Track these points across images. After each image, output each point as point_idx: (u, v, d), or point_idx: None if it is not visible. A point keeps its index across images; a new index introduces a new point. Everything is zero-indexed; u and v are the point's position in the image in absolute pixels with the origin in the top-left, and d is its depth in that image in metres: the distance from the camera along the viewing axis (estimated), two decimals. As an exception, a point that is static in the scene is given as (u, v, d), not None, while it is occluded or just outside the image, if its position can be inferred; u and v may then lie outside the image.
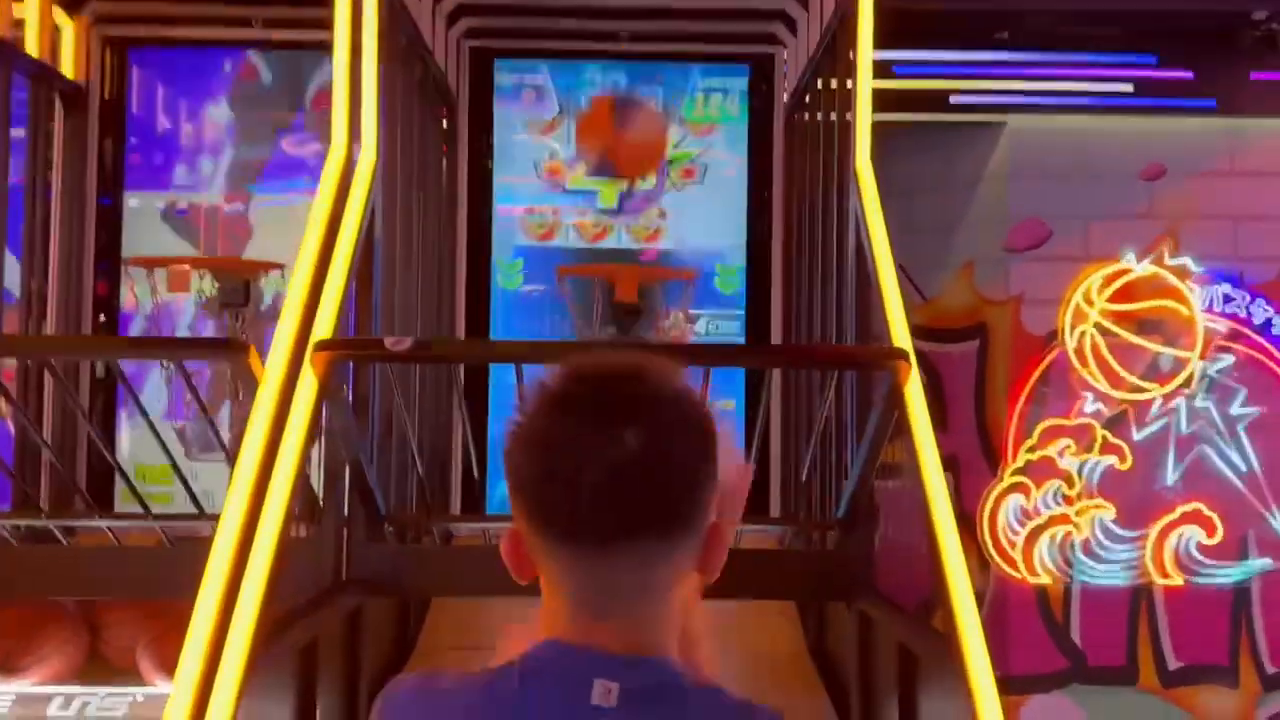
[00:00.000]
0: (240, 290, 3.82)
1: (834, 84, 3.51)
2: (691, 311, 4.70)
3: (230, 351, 2.32)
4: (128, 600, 3.24)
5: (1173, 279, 5.00)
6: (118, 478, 4.36)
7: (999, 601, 4.89)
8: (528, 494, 0.95)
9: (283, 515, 2.23)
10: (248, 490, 2.23)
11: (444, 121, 4.41)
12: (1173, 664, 4.98)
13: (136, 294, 4.16)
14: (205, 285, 3.85)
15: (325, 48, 4.35)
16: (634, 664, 0.95)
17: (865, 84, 3.10)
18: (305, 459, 2.37)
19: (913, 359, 2.51)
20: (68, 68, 4.33)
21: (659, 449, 0.93)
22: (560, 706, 0.94)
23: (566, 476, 0.93)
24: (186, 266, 3.62)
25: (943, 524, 2.34)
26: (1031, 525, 4.93)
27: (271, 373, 2.37)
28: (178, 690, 1.99)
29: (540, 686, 0.95)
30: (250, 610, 2.10)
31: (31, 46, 4.04)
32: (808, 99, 4.10)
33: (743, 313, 4.77)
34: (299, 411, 2.37)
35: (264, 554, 2.17)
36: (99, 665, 3.24)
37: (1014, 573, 4.94)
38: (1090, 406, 4.98)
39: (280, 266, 3.87)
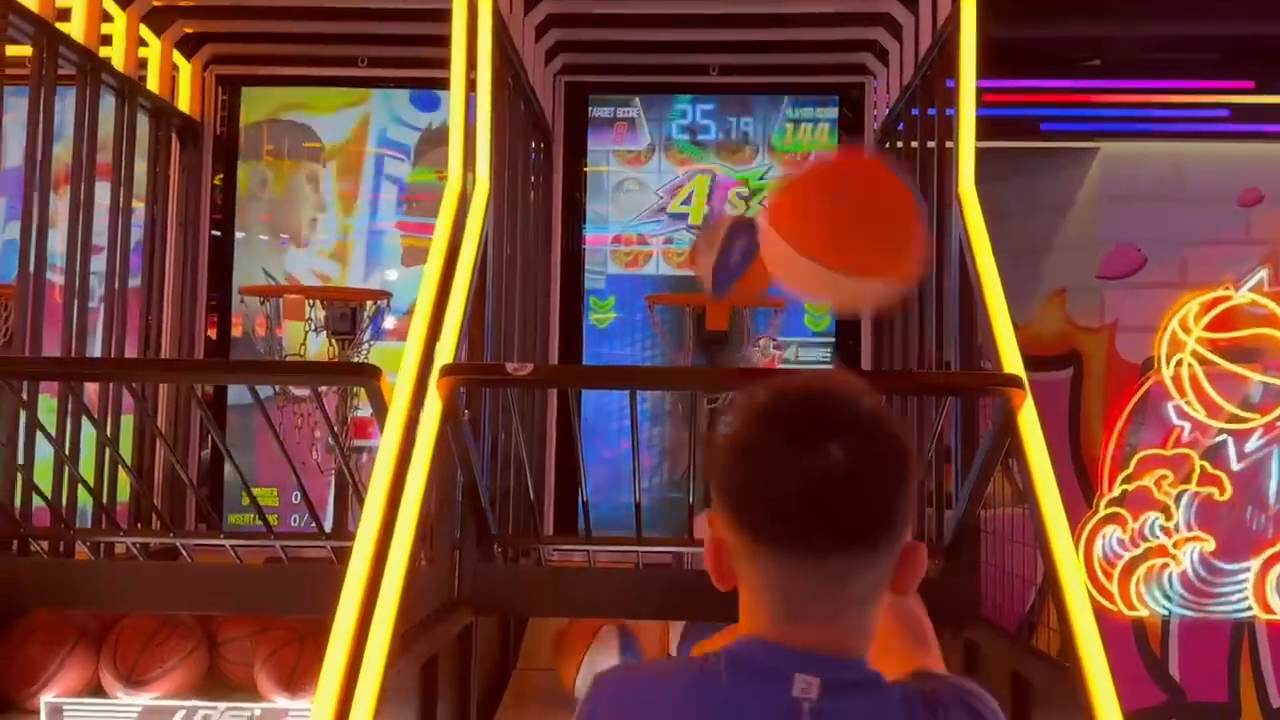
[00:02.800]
0: (348, 318, 3.94)
1: (931, 111, 3.54)
2: (783, 339, 4.73)
3: (365, 377, 2.41)
4: (243, 617, 3.34)
5: (1272, 306, 4.91)
6: (224, 498, 4.52)
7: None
8: (735, 502, 1.01)
9: (413, 534, 2.31)
10: (380, 509, 2.31)
11: (541, 154, 4.52)
12: (1276, 700, 4.84)
13: (248, 323, 4.30)
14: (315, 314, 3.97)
15: (429, 85, 4.56)
16: (833, 661, 1.00)
17: (968, 108, 3.13)
18: (431, 478, 2.44)
19: (1027, 385, 2.51)
20: (184, 105, 4.54)
21: (860, 463, 0.98)
22: (763, 697, 0.99)
23: (772, 486, 0.98)
24: (299, 296, 3.74)
25: (1063, 552, 2.33)
26: (1128, 557, 4.85)
27: (399, 396, 2.46)
28: (320, 702, 2.06)
29: (745, 676, 1.00)
30: (385, 626, 2.18)
31: (152, 84, 4.26)
32: (900, 126, 4.13)
33: (833, 340, 4.79)
34: (426, 434, 2.45)
35: (396, 572, 2.25)
36: (216, 680, 3.34)
37: (1110, 605, 4.85)
38: (1188, 436, 4.89)
39: (388, 296, 3.99)
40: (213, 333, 4.70)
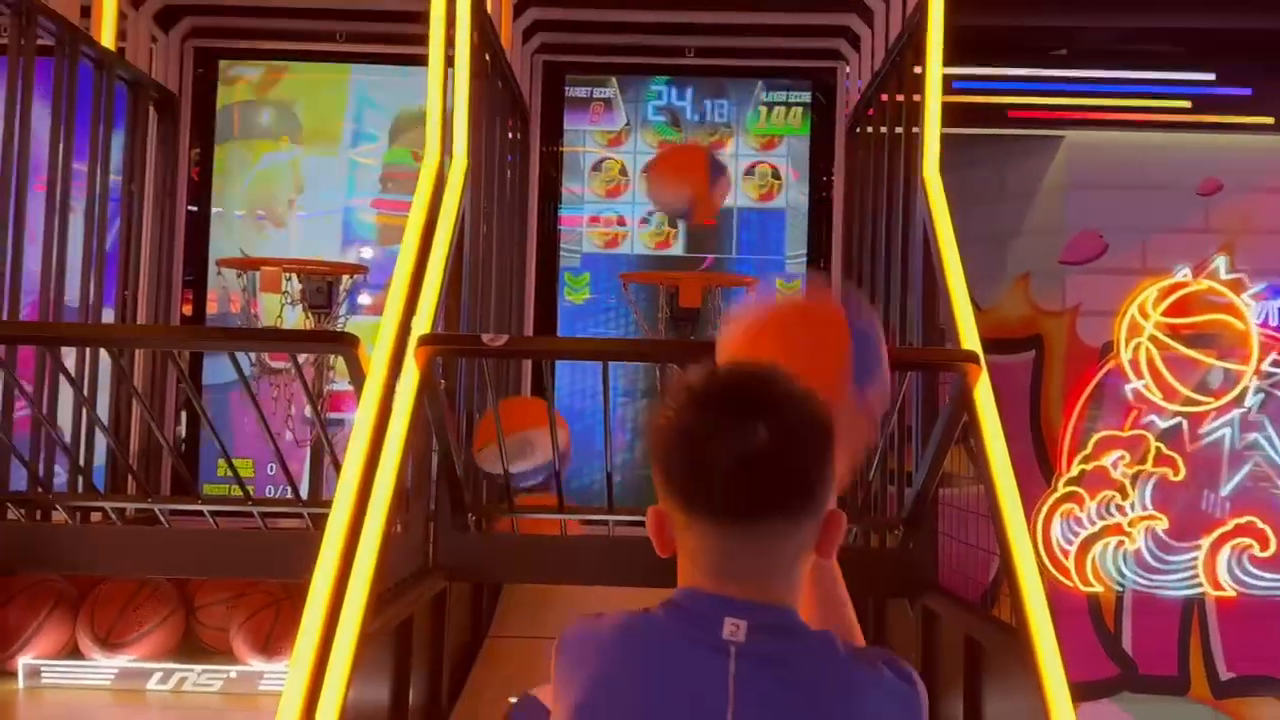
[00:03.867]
0: (324, 292, 3.98)
1: (900, 97, 3.63)
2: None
3: (343, 345, 2.47)
4: (220, 582, 3.40)
5: (1228, 293, 5.05)
6: (199, 468, 4.56)
7: (1051, 609, 4.94)
8: (673, 476, 1.11)
9: (389, 501, 2.38)
10: (357, 476, 2.37)
11: (517, 133, 4.57)
12: (1224, 674, 5.01)
13: (228, 296, 4.34)
14: (291, 288, 4.01)
15: (409, 62, 4.59)
16: (760, 607, 1.10)
17: (935, 95, 3.22)
18: (408, 447, 2.51)
19: (983, 362, 2.61)
20: (161, 77, 4.55)
21: (785, 441, 1.08)
22: (694, 637, 1.09)
23: (706, 462, 1.08)
24: (276, 268, 3.79)
25: (1014, 523, 2.44)
26: (1085, 535, 4.99)
27: (377, 365, 2.52)
28: (297, 663, 2.13)
29: (677, 618, 1.11)
30: (361, 590, 2.24)
31: (130, 56, 4.27)
32: (871, 112, 4.21)
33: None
34: (402, 402, 2.52)
35: (372, 537, 2.32)
36: (192, 643, 3.40)
37: (1066, 581, 5.00)
38: (1144, 418, 5.04)
39: (365, 270, 4.04)
40: (188, 308, 4.73)
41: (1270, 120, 4.97)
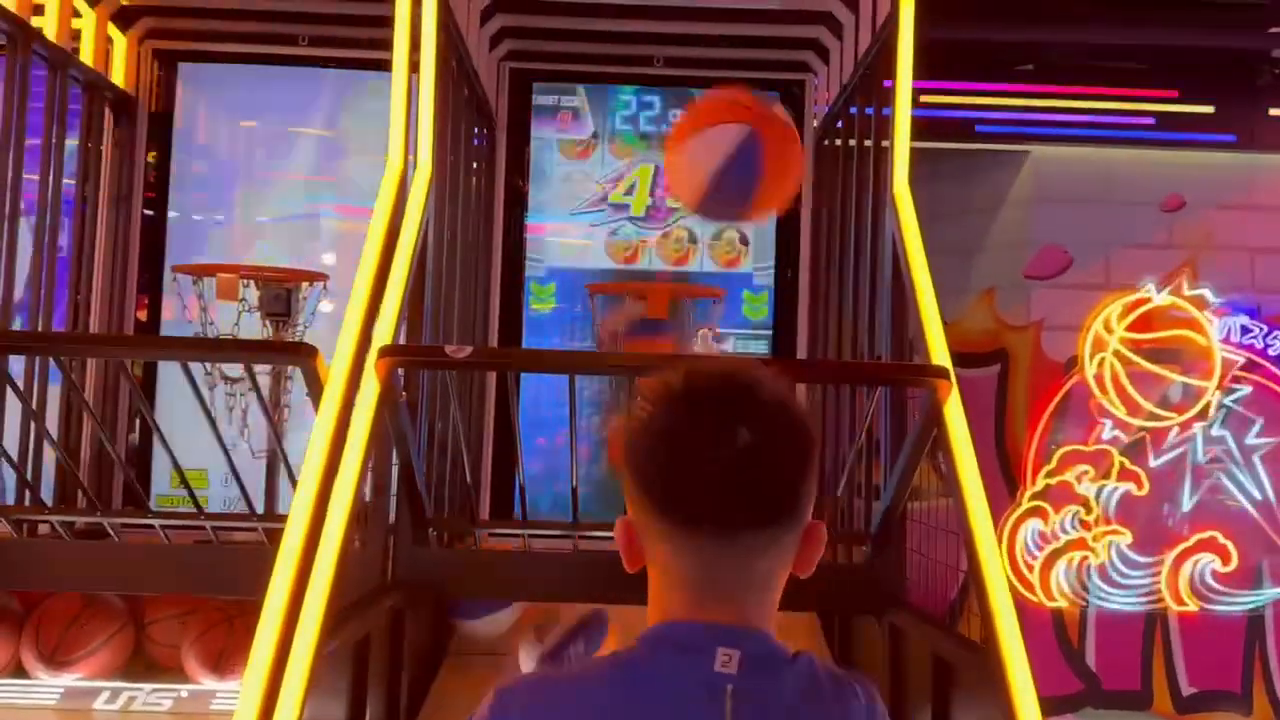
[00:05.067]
0: (282, 299, 3.90)
1: (869, 110, 3.61)
2: (719, 330, 4.79)
3: (301, 356, 2.40)
4: (171, 598, 3.31)
5: (1191, 309, 5.09)
6: (152, 479, 4.45)
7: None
8: (648, 483, 1.04)
9: (347, 515, 2.31)
10: (314, 490, 2.30)
11: (483, 141, 4.51)
12: (1186, 690, 5.04)
13: (185, 304, 4.24)
14: (249, 295, 3.92)
15: (371, 66, 4.53)
16: (748, 635, 1.04)
17: (904, 109, 3.20)
18: (367, 460, 2.44)
19: (953, 377, 2.59)
20: (118, 79, 4.45)
21: (768, 445, 1.02)
22: (686, 673, 1.01)
23: (685, 468, 1.01)
24: (233, 275, 3.70)
25: (984, 539, 2.41)
26: (1049, 549, 5.00)
27: (336, 377, 2.45)
28: (250, 682, 2.05)
29: (664, 653, 1.03)
30: (317, 606, 2.18)
31: (86, 56, 4.17)
32: (840, 125, 4.20)
33: (770, 333, 4.86)
34: (362, 415, 2.45)
35: (330, 553, 2.25)
36: (142, 662, 3.30)
37: (1030, 596, 5.00)
38: (1108, 433, 5.06)
39: (325, 278, 3.96)
40: (142, 314, 4.61)
41: (1232, 138, 5.03)
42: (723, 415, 1.02)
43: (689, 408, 1.03)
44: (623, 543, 1.07)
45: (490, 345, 4.62)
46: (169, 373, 4.42)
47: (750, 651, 1.02)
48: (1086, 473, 5.03)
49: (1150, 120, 5.03)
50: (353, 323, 2.59)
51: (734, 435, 1.01)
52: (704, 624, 1.03)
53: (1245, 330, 5.12)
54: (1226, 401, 5.09)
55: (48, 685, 3.12)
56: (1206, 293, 5.09)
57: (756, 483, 1.02)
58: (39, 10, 3.77)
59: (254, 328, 3.93)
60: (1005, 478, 5.06)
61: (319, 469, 2.34)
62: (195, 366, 2.76)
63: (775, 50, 4.71)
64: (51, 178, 3.72)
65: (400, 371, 2.75)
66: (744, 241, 4.91)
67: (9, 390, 3.01)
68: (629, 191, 4.91)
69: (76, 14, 4.08)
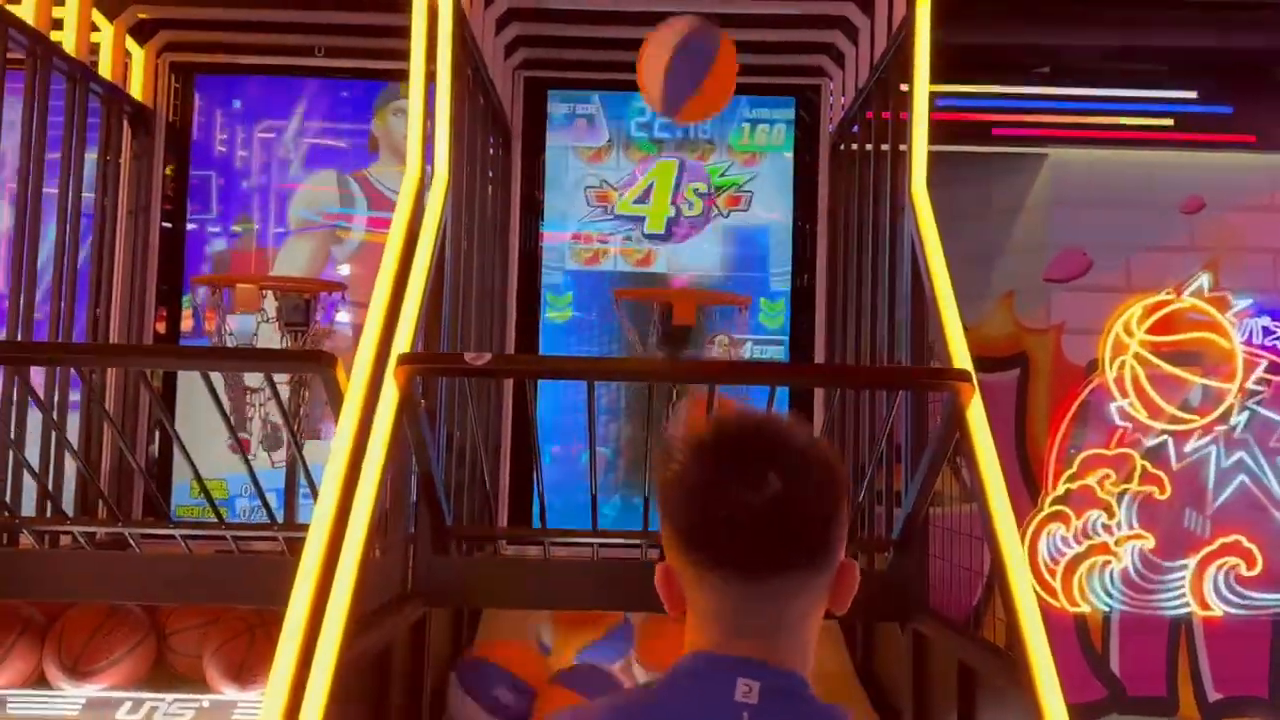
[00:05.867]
0: (301, 309, 3.91)
1: (886, 114, 3.60)
2: (737, 337, 4.77)
3: (320, 364, 2.40)
4: (192, 608, 3.31)
5: (1213, 311, 5.05)
6: (172, 489, 4.47)
7: (1039, 630, 4.91)
8: (682, 531, 1.07)
9: (367, 525, 2.31)
10: (334, 499, 2.30)
11: (499, 149, 4.52)
12: (1213, 696, 4.98)
13: (194, 311, 4.26)
14: (267, 305, 3.93)
15: (390, 77, 4.55)
16: (772, 669, 1.06)
17: (921, 111, 3.19)
18: (387, 469, 2.44)
19: (975, 380, 2.57)
20: (136, 91, 4.47)
21: (797, 491, 1.05)
22: (706, 702, 1.04)
23: (716, 516, 1.04)
24: (253, 286, 3.71)
25: (1009, 544, 2.39)
26: (1071, 554, 4.96)
27: (355, 384, 2.45)
28: (272, 692, 2.05)
29: (687, 685, 1.06)
30: (338, 617, 2.17)
31: (104, 70, 4.19)
32: (855, 129, 4.18)
33: (787, 339, 4.84)
34: (382, 423, 2.45)
35: (350, 562, 2.24)
36: (164, 672, 3.30)
37: (1053, 601, 4.96)
38: (1130, 437, 5.02)
39: (343, 287, 3.96)
40: (161, 326, 4.63)
41: (1251, 138, 4.99)
42: (752, 463, 1.05)
43: (719, 457, 1.06)
44: (663, 588, 1.10)
45: (508, 352, 4.62)
46: (189, 383, 4.44)
47: (771, 684, 1.04)
48: (1108, 477, 4.99)
49: (1169, 122, 4.99)
50: (372, 330, 2.59)
51: (764, 482, 1.03)
52: (730, 656, 1.06)
53: (1267, 332, 5.08)
54: (1249, 404, 5.04)
55: (70, 696, 3.12)
56: (1228, 294, 5.05)
57: (786, 529, 1.04)
58: (58, 24, 3.80)
59: (273, 339, 3.94)
60: (1026, 482, 5.02)
61: (339, 478, 2.34)
62: (215, 376, 2.77)
63: (790, 55, 4.70)
64: (71, 190, 3.74)
65: (419, 379, 2.75)
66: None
67: (30, 401, 3.03)
68: (644, 198, 4.91)
69: (95, 28, 4.11)
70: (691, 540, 1.06)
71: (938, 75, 3.37)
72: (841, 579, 1.09)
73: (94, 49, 4.12)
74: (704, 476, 1.05)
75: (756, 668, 1.04)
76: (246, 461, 2.68)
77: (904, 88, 3.38)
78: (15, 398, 3.24)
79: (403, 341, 2.63)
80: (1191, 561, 4.97)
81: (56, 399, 3.48)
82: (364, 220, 4.74)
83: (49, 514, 3.24)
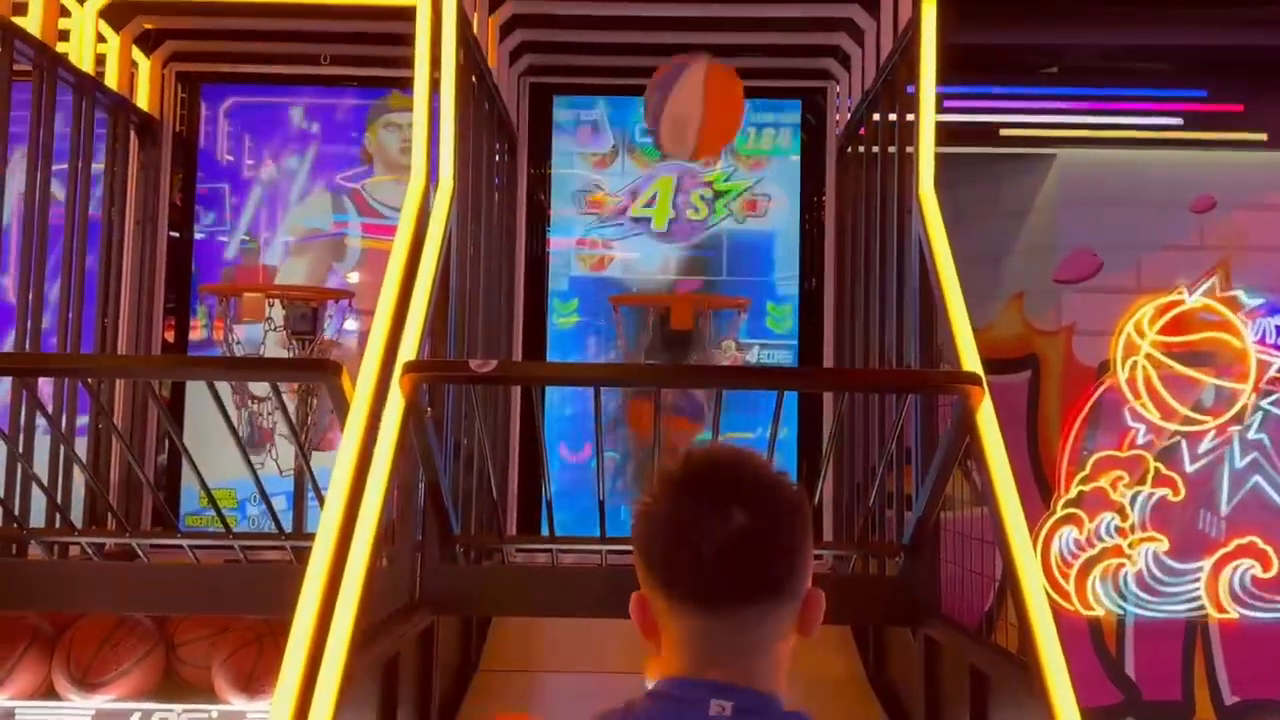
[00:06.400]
0: (308, 318, 3.91)
1: (893, 116, 3.58)
2: (743, 341, 4.76)
3: (326, 373, 2.40)
4: (200, 619, 3.31)
5: (1225, 311, 5.01)
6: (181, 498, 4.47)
7: (1052, 634, 4.87)
8: (654, 563, 1.12)
9: (374, 533, 2.30)
10: (340, 508, 2.29)
11: (505, 155, 4.52)
12: (1229, 699, 4.93)
13: (209, 323, 4.27)
14: (274, 314, 3.93)
15: (393, 84, 4.55)
16: (745, 691, 1.09)
17: (928, 112, 3.17)
18: (393, 477, 2.43)
19: (985, 383, 2.55)
20: (143, 102, 4.48)
21: (762, 525, 1.09)
22: (682, 717, 1.07)
23: (686, 549, 1.09)
24: (259, 294, 3.71)
25: (1020, 548, 2.37)
26: (1085, 557, 4.92)
27: (361, 392, 2.44)
28: (279, 702, 2.04)
29: (665, 705, 1.10)
30: (345, 626, 2.16)
31: (111, 81, 4.20)
32: (862, 131, 4.17)
33: (795, 343, 4.82)
34: (387, 431, 2.44)
35: (357, 571, 2.23)
36: (173, 682, 3.30)
37: (1067, 605, 4.92)
38: (1143, 438, 4.98)
39: (350, 295, 3.96)
40: (170, 335, 4.64)
41: (1262, 136, 4.95)
42: (716, 498, 1.09)
43: (685, 492, 1.11)
44: (637, 616, 1.14)
45: (515, 359, 4.61)
46: (197, 392, 4.44)
47: (743, 704, 1.07)
48: (1121, 479, 4.95)
49: (1178, 121, 4.96)
50: (378, 338, 2.59)
51: (728, 517, 1.07)
52: (703, 680, 1.09)
53: (1280, 331, 5.04)
54: (1262, 404, 5.00)
55: (79, 707, 3.12)
56: (1240, 294, 5.01)
57: (750, 562, 1.08)
58: (64, 36, 3.80)
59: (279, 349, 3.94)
60: (1039, 485, 4.98)
61: (345, 487, 2.33)
62: (222, 386, 2.76)
63: (796, 59, 4.69)
64: (78, 201, 3.75)
65: (425, 387, 2.74)
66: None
67: (39, 413, 3.03)
68: (650, 204, 4.90)
69: (101, 39, 4.12)
70: (660, 572, 1.10)
71: (944, 76, 3.36)
72: (808, 608, 1.13)
73: (100, 60, 4.13)
74: (671, 510, 1.10)
75: (729, 690, 1.08)
76: (252, 469, 2.67)
77: (910, 89, 3.36)
78: (24, 409, 3.24)
79: (408, 349, 2.62)
80: (1206, 563, 4.92)
81: (64, 410, 3.48)
82: (363, 229, 4.73)
83: (58, 525, 3.24)
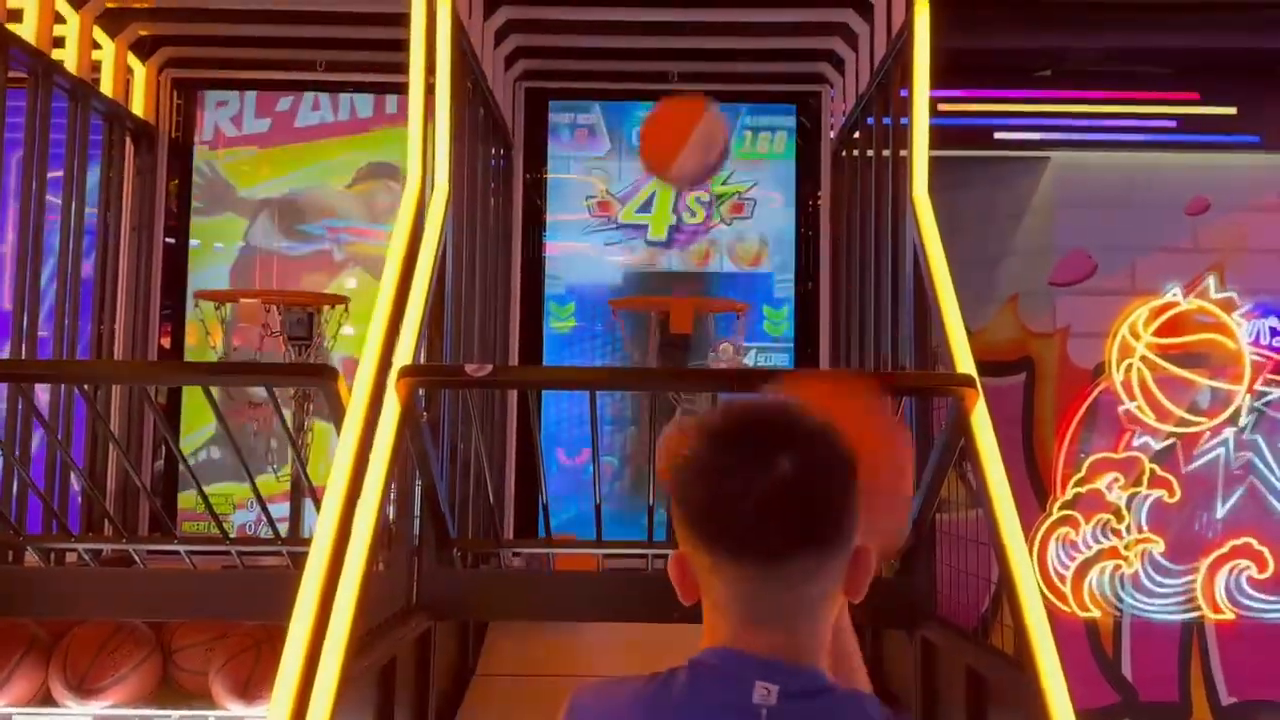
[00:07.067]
0: (305, 323, 3.91)
1: (886, 119, 3.59)
2: (742, 344, 4.76)
3: (322, 378, 2.40)
4: (197, 624, 3.31)
5: (1219, 312, 5.03)
6: (178, 503, 4.46)
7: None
8: (695, 519, 1.06)
9: (370, 538, 2.30)
10: (337, 513, 2.29)
11: (500, 160, 4.52)
12: (1226, 700, 4.93)
13: (208, 329, 4.26)
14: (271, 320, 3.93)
15: (390, 90, 4.56)
16: (789, 669, 1.05)
17: (922, 116, 3.18)
18: (390, 482, 2.43)
19: (979, 385, 2.55)
20: (138, 108, 4.49)
21: (808, 475, 1.04)
22: (724, 703, 1.04)
23: (729, 502, 1.04)
24: (256, 300, 3.71)
25: (1015, 551, 2.37)
26: (1080, 559, 4.93)
27: (357, 397, 2.45)
28: (276, 708, 2.04)
29: (707, 684, 1.05)
30: (342, 631, 2.16)
31: (106, 87, 4.21)
32: (856, 135, 4.18)
33: (791, 346, 4.83)
34: (384, 435, 2.44)
35: (353, 577, 2.23)
36: (170, 688, 3.30)
37: (1063, 606, 4.92)
38: (1138, 440, 4.99)
39: (346, 300, 3.96)
40: (166, 341, 4.64)
41: (1255, 139, 4.97)
42: (761, 447, 1.04)
43: (728, 442, 1.06)
44: (676, 576, 1.10)
45: (511, 363, 4.61)
46: (197, 395, 4.44)
47: (789, 685, 1.04)
48: (1117, 480, 4.96)
49: (1172, 123, 4.97)
50: (373, 343, 2.59)
51: (773, 465, 1.03)
52: (748, 654, 1.05)
53: (1275, 332, 5.05)
54: (1258, 405, 5.01)
55: (76, 714, 3.12)
56: (1234, 295, 5.02)
57: (798, 510, 1.04)
58: (59, 43, 3.81)
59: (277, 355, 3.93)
60: (1034, 487, 4.99)
61: (341, 492, 2.33)
62: (219, 392, 2.77)
63: (791, 63, 4.70)
64: (74, 208, 3.75)
65: (421, 392, 2.74)
66: (764, 241, 4.89)
67: (35, 420, 3.03)
68: (645, 207, 4.91)
69: (96, 45, 4.12)
70: (702, 524, 1.05)
71: (938, 80, 3.36)
72: (855, 564, 1.07)
73: (95, 66, 4.13)
74: (714, 460, 1.05)
75: (774, 669, 1.04)
76: (249, 473, 2.67)
77: (904, 93, 3.37)
78: (20, 415, 3.25)
79: (404, 354, 2.63)
80: (1202, 565, 4.93)
81: (61, 416, 3.48)
82: (362, 233, 4.74)
83: (54, 531, 3.24)
